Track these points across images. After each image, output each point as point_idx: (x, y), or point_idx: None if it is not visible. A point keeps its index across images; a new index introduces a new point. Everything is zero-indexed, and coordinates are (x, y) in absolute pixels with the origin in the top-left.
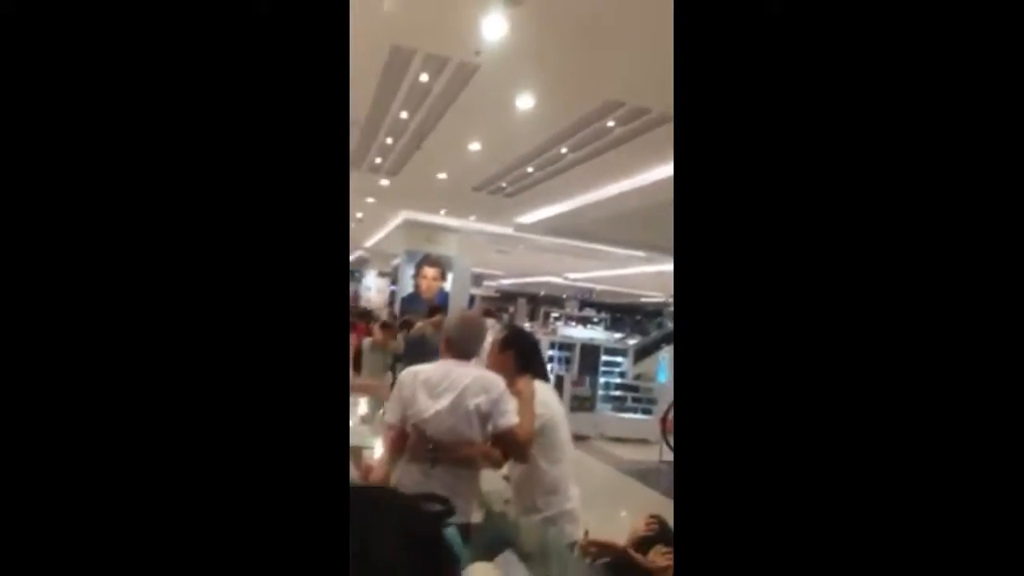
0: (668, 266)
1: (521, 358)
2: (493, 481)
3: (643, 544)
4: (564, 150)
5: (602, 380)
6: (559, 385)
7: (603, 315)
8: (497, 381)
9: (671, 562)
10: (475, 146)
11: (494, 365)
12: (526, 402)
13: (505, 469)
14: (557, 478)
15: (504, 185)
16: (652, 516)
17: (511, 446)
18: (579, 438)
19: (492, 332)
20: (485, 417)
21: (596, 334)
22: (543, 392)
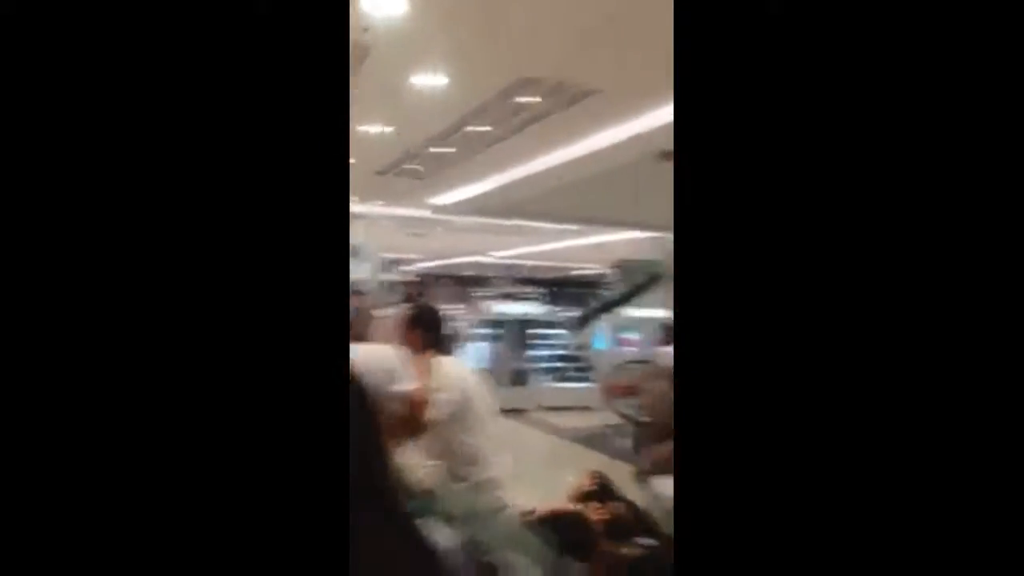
0: (605, 237)
1: (428, 335)
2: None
3: (585, 499)
4: (478, 128)
5: (541, 353)
6: (493, 361)
7: (538, 290)
8: (390, 352)
9: (603, 517)
10: (374, 128)
11: (403, 343)
12: (423, 374)
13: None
14: (475, 448)
15: (414, 167)
16: (595, 472)
17: (405, 414)
18: (516, 411)
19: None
20: (381, 388)
21: (530, 308)
22: (452, 366)
